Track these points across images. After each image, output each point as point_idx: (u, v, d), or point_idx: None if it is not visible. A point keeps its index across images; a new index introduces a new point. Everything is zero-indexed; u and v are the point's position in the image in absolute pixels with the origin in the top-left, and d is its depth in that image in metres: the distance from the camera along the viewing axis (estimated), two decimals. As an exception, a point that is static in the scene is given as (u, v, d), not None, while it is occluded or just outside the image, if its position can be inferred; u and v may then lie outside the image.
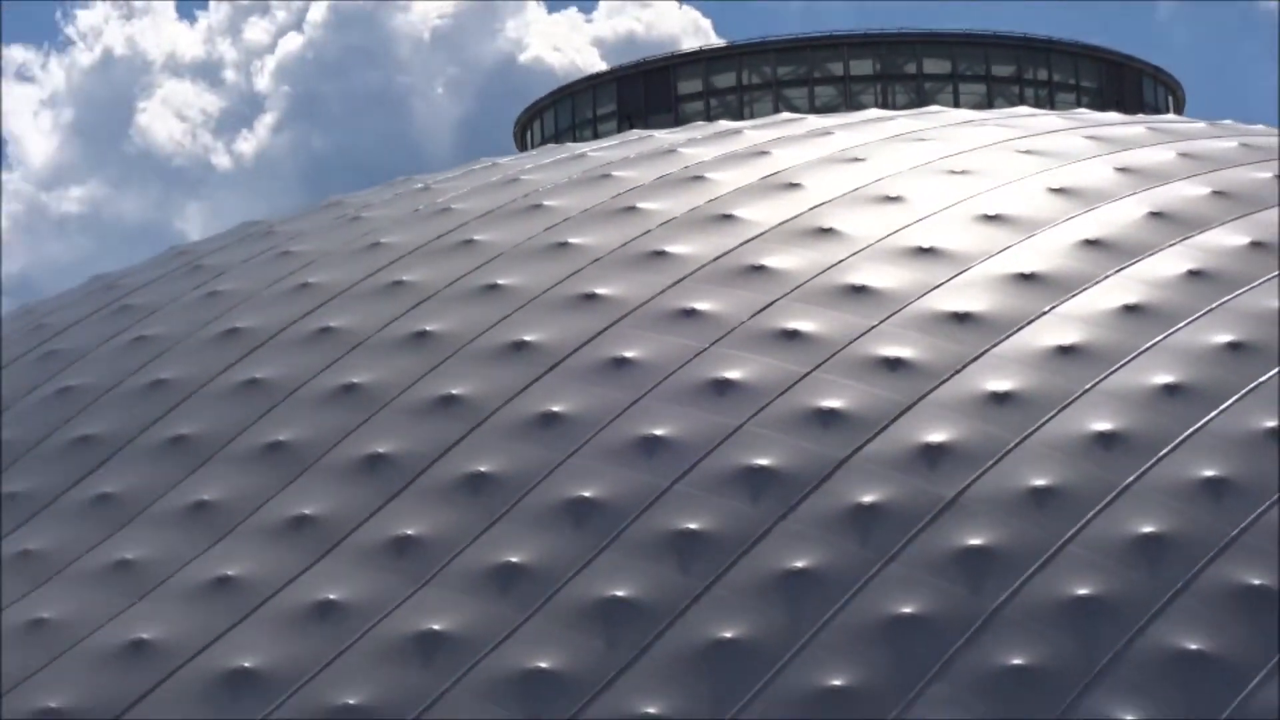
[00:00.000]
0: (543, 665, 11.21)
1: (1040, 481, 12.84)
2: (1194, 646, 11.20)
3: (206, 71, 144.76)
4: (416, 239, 18.36)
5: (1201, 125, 23.79)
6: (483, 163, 22.56)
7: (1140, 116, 36.19)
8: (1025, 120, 24.00)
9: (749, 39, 74.08)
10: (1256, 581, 11.69)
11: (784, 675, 11.07)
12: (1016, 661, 11.06)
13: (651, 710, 10.85)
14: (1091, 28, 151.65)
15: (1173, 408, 13.94)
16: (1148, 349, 14.75)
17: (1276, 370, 14.37)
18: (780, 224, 17.35)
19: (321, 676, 11.43)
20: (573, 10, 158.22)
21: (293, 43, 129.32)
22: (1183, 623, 11.56)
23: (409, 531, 12.85)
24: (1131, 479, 12.86)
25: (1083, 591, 11.58)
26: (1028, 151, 19.83)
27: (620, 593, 11.73)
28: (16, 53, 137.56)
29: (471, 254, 17.69)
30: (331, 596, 12.20)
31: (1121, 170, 18.90)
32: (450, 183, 21.05)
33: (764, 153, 19.85)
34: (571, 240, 17.41)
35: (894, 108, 43.40)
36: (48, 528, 14.27)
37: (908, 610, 11.51)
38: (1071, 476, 12.96)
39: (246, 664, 11.57)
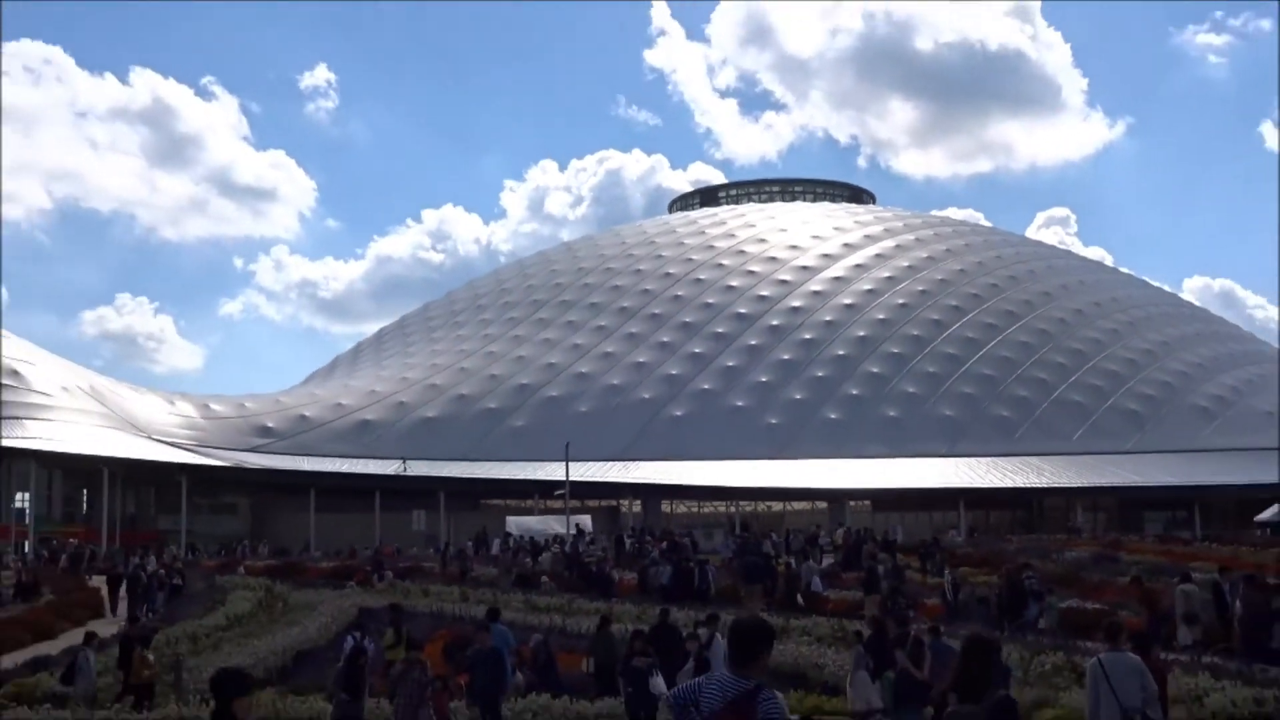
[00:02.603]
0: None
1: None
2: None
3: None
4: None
5: (886, 209, 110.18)
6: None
7: (862, 206, 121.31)
8: (824, 205, 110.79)
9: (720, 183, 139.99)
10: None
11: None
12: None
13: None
14: (839, 171, 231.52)
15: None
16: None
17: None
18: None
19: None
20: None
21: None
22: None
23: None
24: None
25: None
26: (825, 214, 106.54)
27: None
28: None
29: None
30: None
31: (853, 219, 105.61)
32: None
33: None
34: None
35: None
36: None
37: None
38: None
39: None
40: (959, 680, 8.14)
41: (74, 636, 29.58)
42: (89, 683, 19.42)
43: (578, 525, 62.67)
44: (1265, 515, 61.60)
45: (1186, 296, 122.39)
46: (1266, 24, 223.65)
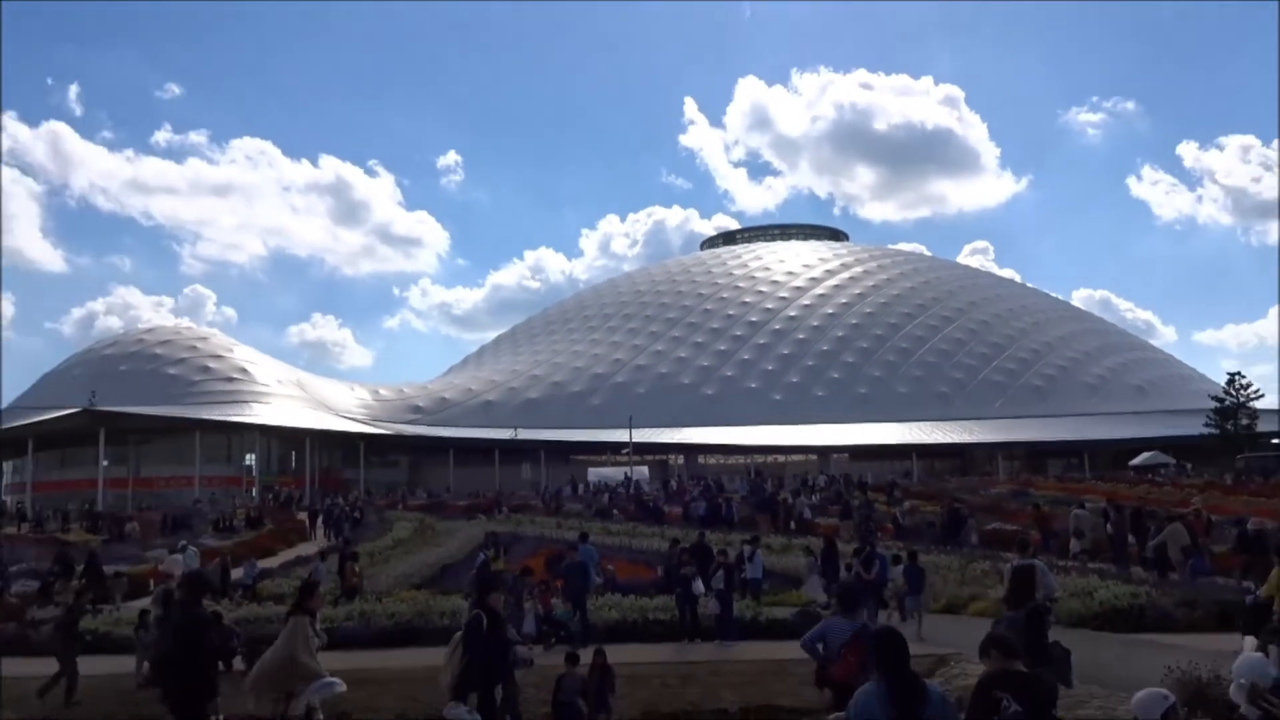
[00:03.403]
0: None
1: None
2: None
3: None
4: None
5: (856, 244, 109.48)
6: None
7: (838, 243, 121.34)
8: (810, 243, 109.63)
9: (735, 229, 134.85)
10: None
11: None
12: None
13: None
14: (821, 217, 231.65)
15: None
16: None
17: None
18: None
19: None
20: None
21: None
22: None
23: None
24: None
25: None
26: (811, 249, 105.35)
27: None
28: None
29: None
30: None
31: (832, 252, 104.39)
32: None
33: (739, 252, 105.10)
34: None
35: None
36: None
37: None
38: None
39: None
40: (1008, 594, 8.50)
41: (287, 555, 30.18)
42: (325, 586, 19.55)
43: (628, 475, 62.63)
44: (1136, 461, 60.78)
45: (1075, 303, 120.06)
46: (1130, 105, 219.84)
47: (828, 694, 9.30)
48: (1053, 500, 34.68)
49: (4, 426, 69.09)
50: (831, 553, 19.67)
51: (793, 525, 31.67)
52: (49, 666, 14.49)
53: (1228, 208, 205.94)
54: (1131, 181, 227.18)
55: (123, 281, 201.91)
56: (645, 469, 67.32)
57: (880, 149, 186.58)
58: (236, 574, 22.97)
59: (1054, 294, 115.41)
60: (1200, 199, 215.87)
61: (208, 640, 7.44)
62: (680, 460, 77.20)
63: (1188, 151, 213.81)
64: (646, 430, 72.45)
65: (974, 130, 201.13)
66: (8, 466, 78.45)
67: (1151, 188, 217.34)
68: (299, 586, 8.78)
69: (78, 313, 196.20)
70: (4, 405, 73.02)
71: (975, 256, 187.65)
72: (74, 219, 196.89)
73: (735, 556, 19.09)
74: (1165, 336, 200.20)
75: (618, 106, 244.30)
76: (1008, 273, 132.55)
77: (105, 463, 68.59)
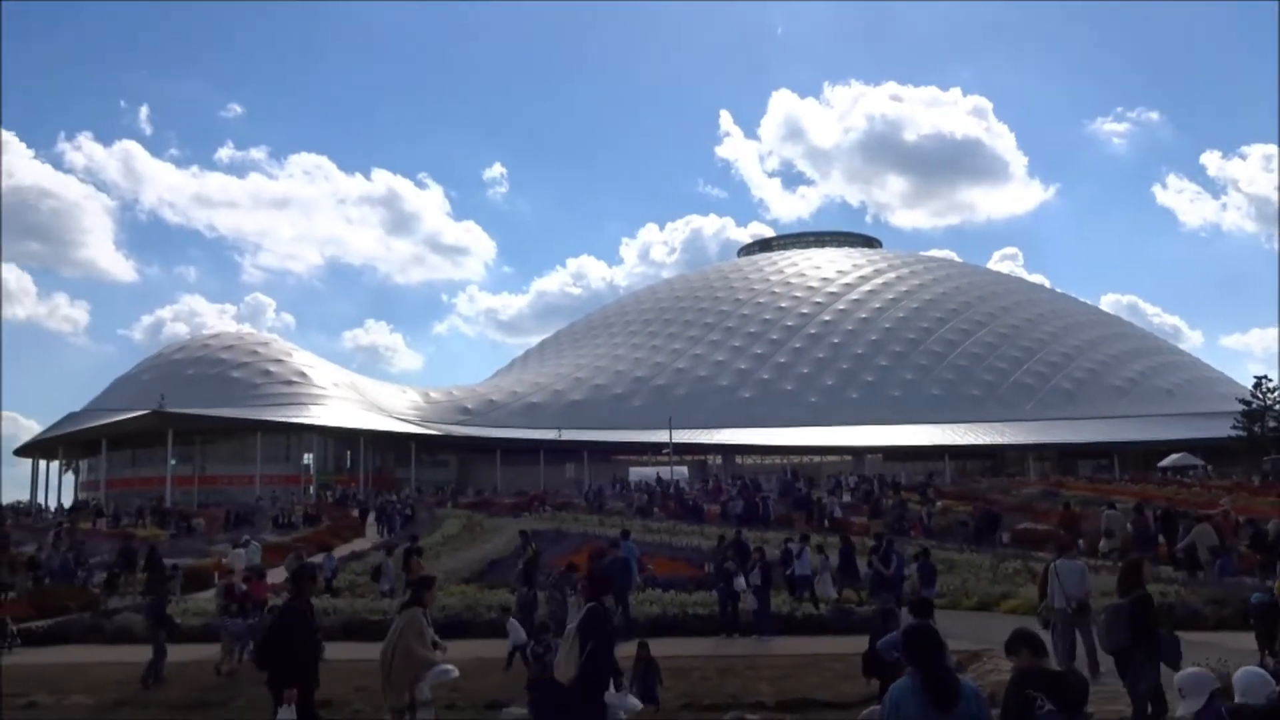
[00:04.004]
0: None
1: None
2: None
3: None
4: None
5: (889, 251, 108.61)
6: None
7: (871, 250, 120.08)
8: (844, 250, 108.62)
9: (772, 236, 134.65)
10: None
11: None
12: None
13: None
14: (853, 225, 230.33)
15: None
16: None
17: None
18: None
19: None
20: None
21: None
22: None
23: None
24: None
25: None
26: (845, 256, 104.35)
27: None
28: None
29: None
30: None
31: (865, 259, 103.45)
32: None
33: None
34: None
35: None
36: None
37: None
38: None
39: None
40: (1118, 583, 8.68)
41: (343, 550, 30.49)
42: (390, 579, 19.73)
43: (659, 475, 62.44)
44: (1165, 462, 59.73)
45: (1104, 308, 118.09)
46: (1154, 115, 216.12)
47: (874, 683, 9.32)
48: (1083, 500, 34.16)
49: (80, 427, 70.71)
50: (849, 551, 19.55)
51: (826, 524, 31.54)
52: (121, 654, 14.81)
53: (1252, 215, 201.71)
54: (1157, 189, 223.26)
55: (189, 290, 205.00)
56: (685, 469, 67.17)
57: (911, 159, 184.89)
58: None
59: (1083, 299, 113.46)
60: (1224, 206, 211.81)
61: (311, 629, 7.67)
62: (718, 460, 76.93)
63: (1211, 161, 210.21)
64: (686, 431, 72.29)
65: (1002, 140, 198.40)
66: (83, 465, 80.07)
67: (1176, 195, 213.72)
68: (415, 581, 9.03)
69: (147, 320, 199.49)
70: (80, 408, 74.69)
71: (1005, 263, 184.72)
72: (144, 232, 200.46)
73: (781, 554, 19.06)
74: (1192, 341, 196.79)
75: (656, 120, 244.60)
76: (1037, 278, 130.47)
77: (173, 461, 69.89)
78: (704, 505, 38.74)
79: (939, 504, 35.56)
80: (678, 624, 15.58)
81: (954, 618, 15.48)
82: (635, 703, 7.00)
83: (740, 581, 15.80)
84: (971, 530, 27.41)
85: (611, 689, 6.72)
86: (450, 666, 8.13)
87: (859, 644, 13.53)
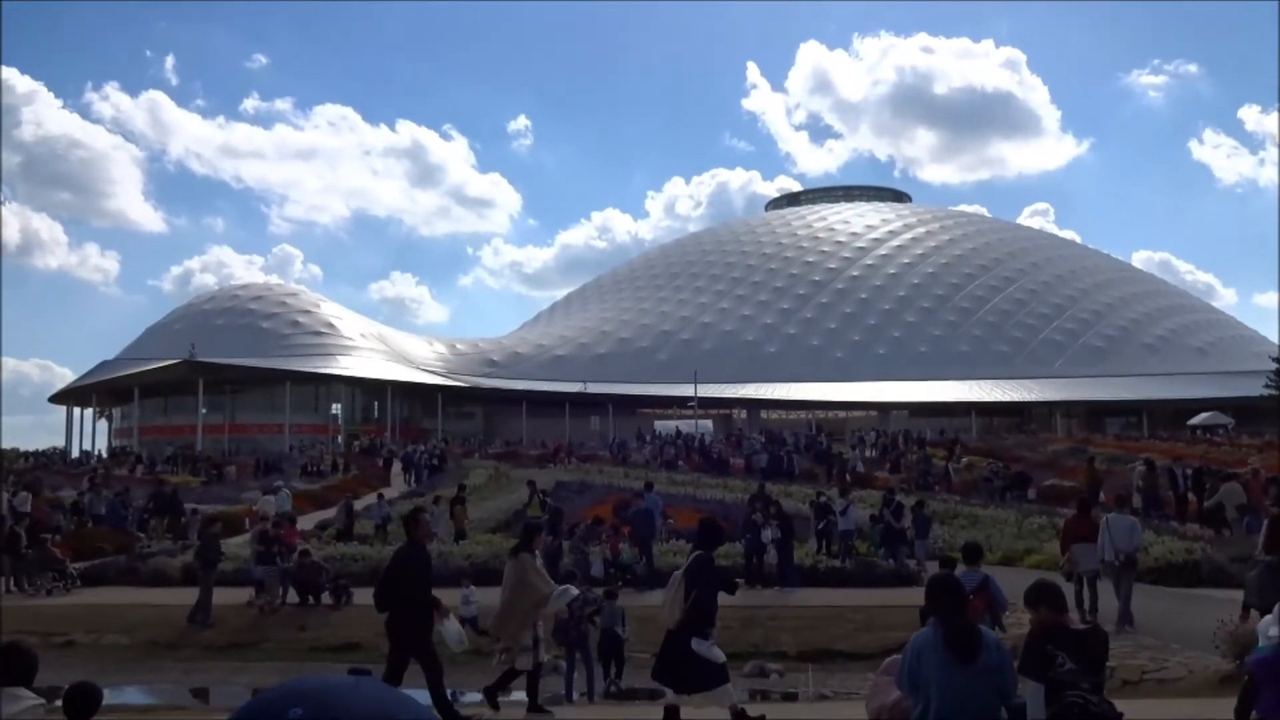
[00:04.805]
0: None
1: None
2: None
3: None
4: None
5: (918, 206, 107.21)
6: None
7: (901, 204, 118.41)
8: (873, 204, 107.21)
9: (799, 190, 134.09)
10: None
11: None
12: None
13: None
14: (882, 180, 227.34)
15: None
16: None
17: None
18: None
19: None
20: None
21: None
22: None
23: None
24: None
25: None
26: (873, 210, 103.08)
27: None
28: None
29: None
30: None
31: (894, 213, 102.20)
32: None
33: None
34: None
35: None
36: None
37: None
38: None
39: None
40: (1265, 541, 9.16)
41: (369, 498, 30.76)
42: (439, 528, 20.08)
43: (679, 429, 62.65)
44: (1195, 420, 59.23)
45: (1136, 265, 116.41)
46: (1192, 67, 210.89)
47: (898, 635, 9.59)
48: (1110, 458, 33.93)
49: (113, 375, 71.79)
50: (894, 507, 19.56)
51: (847, 478, 31.60)
52: (156, 596, 15.15)
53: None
54: (1193, 145, 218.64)
55: (217, 241, 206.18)
56: (709, 423, 67.32)
57: (941, 112, 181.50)
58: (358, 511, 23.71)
59: (1115, 255, 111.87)
60: (1262, 162, 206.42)
61: (427, 569, 8.04)
62: (743, 415, 76.97)
63: (1249, 115, 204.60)
64: (711, 385, 72.24)
65: (1035, 93, 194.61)
66: (116, 413, 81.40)
67: (1213, 151, 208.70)
68: (523, 527, 9.95)
69: (176, 270, 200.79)
70: (112, 357, 75.76)
71: (1036, 218, 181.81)
72: (172, 182, 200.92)
73: (815, 508, 19.11)
74: (1226, 299, 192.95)
75: (681, 72, 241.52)
76: (1068, 234, 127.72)
77: (204, 410, 70.90)
78: (729, 459, 38.81)
79: (964, 460, 35.44)
80: (701, 575, 15.65)
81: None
82: (720, 654, 7.18)
83: (768, 533, 15.90)
84: (998, 488, 27.31)
85: (700, 638, 7.01)
86: (570, 587, 9.00)
87: (881, 596, 13.64)
